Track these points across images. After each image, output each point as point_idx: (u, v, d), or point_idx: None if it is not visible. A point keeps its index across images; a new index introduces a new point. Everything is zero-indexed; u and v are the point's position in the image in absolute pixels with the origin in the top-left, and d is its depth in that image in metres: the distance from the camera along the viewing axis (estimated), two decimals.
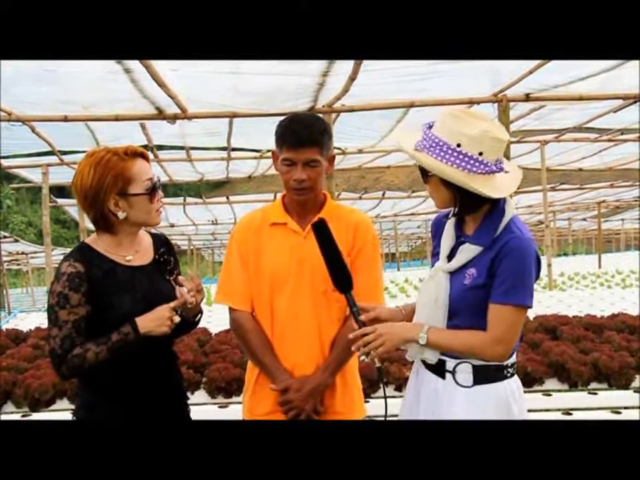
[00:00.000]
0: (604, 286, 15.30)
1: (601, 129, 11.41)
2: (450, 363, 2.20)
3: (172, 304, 2.15)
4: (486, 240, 2.14)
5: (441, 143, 2.09)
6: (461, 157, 2.07)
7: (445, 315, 2.20)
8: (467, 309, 2.16)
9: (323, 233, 2.30)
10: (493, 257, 2.11)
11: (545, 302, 11.34)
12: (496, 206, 2.16)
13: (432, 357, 2.23)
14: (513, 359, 2.23)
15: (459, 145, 2.07)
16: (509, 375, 2.21)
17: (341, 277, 2.27)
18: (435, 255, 2.33)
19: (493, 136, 2.08)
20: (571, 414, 5.11)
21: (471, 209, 2.17)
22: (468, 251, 2.17)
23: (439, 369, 2.23)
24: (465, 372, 2.18)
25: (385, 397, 2.28)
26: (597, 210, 23.38)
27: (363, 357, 2.25)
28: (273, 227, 2.54)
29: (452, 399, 2.18)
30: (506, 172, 2.17)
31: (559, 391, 5.81)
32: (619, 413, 5.08)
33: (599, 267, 20.89)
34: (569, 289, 14.58)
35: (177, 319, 2.17)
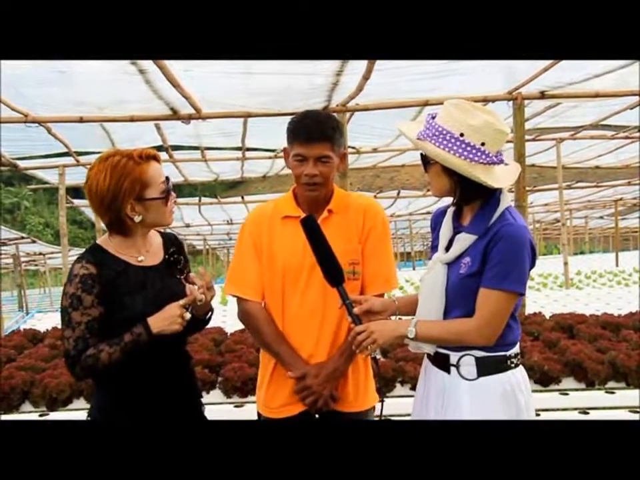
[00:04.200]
0: (621, 284, 15.16)
1: (618, 126, 11.34)
2: (453, 357, 2.22)
3: (182, 301, 2.16)
4: (480, 229, 2.17)
5: (444, 132, 2.13)
6: (463, 145, 2.11)
7: (441, 306, 2.22)
8: (464, 298, 2.18)
9: (311, 227, 2.32)
10: (486, 244, 2.14)
11: (562, 300, 11.26)
12: (492, 197, 2.20)
13: (429, 349, 2.26)
14: (517, 348, 2.24)
15: (462, 135, 2.11)
16: (513, 365, 2.21)
17: (332, 270, 2.29)
18: (434, 248, 2.36)
19: (496, 127, 2.12)
20: (588, 413, 5.08)
21: (470, 198, 2.21)
22: (463, 240, 2.21)
23: (443, 364, 2.25)
24: (468, 364, 2.19)
25: (382, 398, 2.34)
26: (614, 208, 23.20)
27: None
28: (286, 219, 2.55)
29: (457, 393, 2.20)
30: (505, 164, 2.21)
31: (576, 390, 5.76)
32: (637, 412, 5.03)
33: (616, 265, 20.71)
34: (586, 288, 14.46)
35: (188, 315, 2.17)
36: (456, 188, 2.19)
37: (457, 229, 2.27)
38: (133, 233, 2.24)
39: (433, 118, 2.19)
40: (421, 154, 2.24)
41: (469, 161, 2.11)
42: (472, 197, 2.20)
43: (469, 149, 2.11)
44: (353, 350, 2.47)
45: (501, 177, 2.18)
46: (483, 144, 2.11)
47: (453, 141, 2.11)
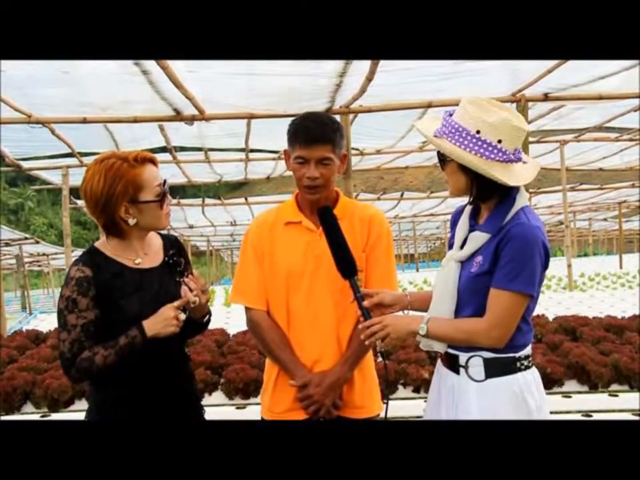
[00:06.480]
0: (625, 287, 15.13)
1: (622, 128, 11.32)
2: (462, 357, 2.20)
3: (175, 303, 2.15)
4: (494, 227, 2.15)
5: (460, 129, 2.11)
6: (480, 143, 2.09)
7: (452, 304, 2.21)
8: (475, 296, 2.17)
9: (328, 218, 2.34)
10: (497, 243, 2.12)
11: (565, 303, 11.24)
12: (508, 195, 2.17)
13: (440, 348, 2.24)
14: (528, 350, 2.22)
15: (478, 132, 2.09)
16: (522, 367, 2.19)
17: (346, 262, 2.29)
18: (451, 246, 2.35)
19: (513, 124, 2.09)
20: (591, 416, 5.06)
21: (485, 196, 2.19)
22: (476, 239, 2.19)
23: (453, 364, 2.23)
24: (477, 365, 2.17)
25: (387, 397, 2.35)
26: (617, 210, 23.17)
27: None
28: (288, 225, 2.55)
29: (466, 394, 2.18)
30: (524, 162, 2.18)
31: (579, 392, 5.75)
32: None
33: (620, 267, 20.68)
34: (589, 290, 14.44)
35: (183, 316, 2.16)
36: (472, 186, 2.17)
37: (473, 227, 2.26)
38: (128, 236, 2.24)
39: (451, 115, 2.18)
40: (438, 152, 2.23)
41: (484, 159, 2.08)
42: (488, 195, 2.18)
43: (485, 146, 2.08)
44: (357, 357, 2.49)
45: (519, 175, 2.15)
46: (499, 141, 2.08)
47: (469, 138, 2.09)
